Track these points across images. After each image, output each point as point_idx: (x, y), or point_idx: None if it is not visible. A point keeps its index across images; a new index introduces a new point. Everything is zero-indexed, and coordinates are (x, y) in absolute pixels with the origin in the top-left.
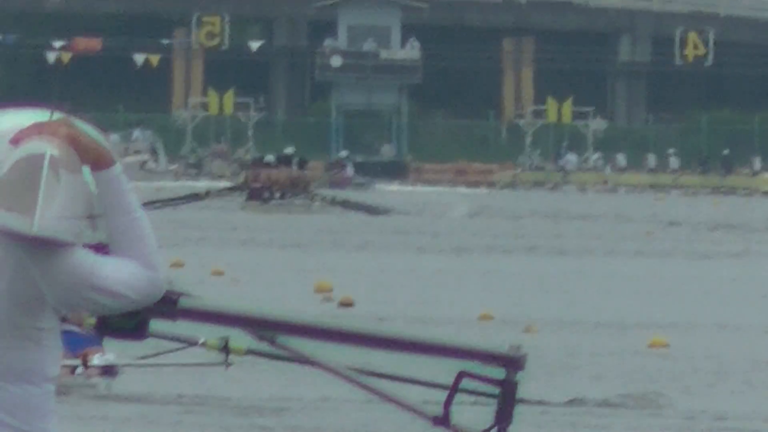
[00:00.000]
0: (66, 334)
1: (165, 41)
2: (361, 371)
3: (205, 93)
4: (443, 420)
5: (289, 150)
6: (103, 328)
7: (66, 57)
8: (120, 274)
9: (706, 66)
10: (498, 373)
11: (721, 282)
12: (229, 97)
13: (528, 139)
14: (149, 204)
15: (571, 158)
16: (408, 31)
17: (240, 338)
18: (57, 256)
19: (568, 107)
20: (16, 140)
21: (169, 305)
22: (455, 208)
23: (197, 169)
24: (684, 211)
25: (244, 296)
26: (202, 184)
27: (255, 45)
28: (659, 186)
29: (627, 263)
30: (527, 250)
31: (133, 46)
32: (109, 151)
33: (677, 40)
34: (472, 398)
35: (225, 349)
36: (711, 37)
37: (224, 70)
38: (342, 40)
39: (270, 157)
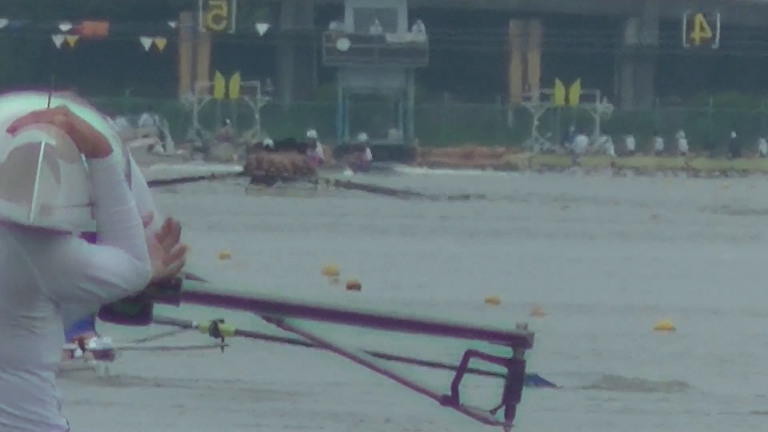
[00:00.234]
0: None
1: (172, 25)
2: (369, 353)
3: (211, 77)
4: (451, 400)
5: (311, 133)
6: (106, 314)
7: (72, 41)
8: (111, 264)
9: (713, 49)
10: (505, 351)
11: (729, 265)
12: (236, 81)
13: (535, 123)
14: (156, 183)
15: (581, 140)
16: (414, 14)
17: (230, 319)
18: (51, 245)
19: (575, 90)
20: (13, 129)
21: (172, 289)
22: (470, 191)
23: (204, 152)
24: (691, 194)
25: (251, 279)
26: (208, 168)
27: (261, 29)
28: (667, 168)
29: (634, 246)
30: (537, 234)
31: (140, 30)
32: (107, 139)
33: (684, 23)
34: (479, 378)
35: (215, 331)
36: (718, 20)
37: (231, 53)
38: (348, 23)
39: (269, 141)
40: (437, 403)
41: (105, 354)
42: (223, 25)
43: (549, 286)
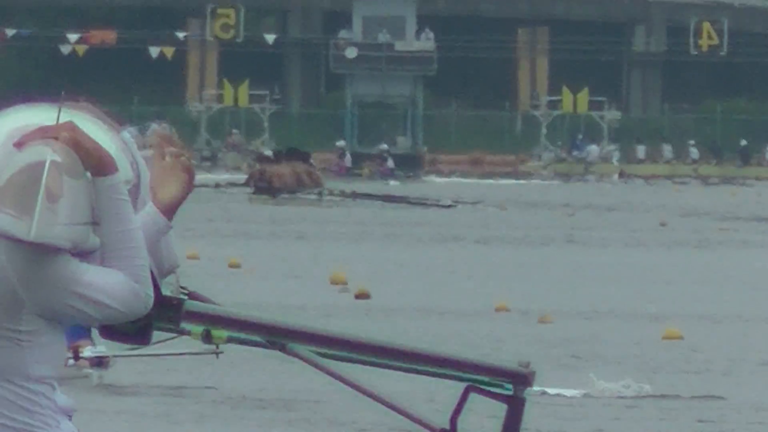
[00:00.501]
0: None
1: (180, 33)
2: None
3: (219, 85)
4: None
5: (340, 143)
6: (106, 331)
7: (81, 49)
8: (105, 284)
9: (720, 55)
10: (506, 388)
11: (739, 273)
12: (244, 89)
13: (543, 130)
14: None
15: (593, 149)
16: (422, 21)
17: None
18: (38, 261)
19: (583, 97)
20: (19, 144)
21: (174, 309)
22: (485, 200)
23: (212, 161)
24: (700, 202)
25: (260, 289)
26: (216, 177)
27: (270, 37)
28: (676, 176)
29: (643, 254)
30: (550, 242)
31: (148, 39)
32: (112, 158)
33: (692, 29)
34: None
35: (208, 337)
36: (725, 26)
37: (239, 62)
38: (357, 31)
39: (268, 152)
40: None
41: (99, 362)
42: (231, 33)
43: (558, 293)
